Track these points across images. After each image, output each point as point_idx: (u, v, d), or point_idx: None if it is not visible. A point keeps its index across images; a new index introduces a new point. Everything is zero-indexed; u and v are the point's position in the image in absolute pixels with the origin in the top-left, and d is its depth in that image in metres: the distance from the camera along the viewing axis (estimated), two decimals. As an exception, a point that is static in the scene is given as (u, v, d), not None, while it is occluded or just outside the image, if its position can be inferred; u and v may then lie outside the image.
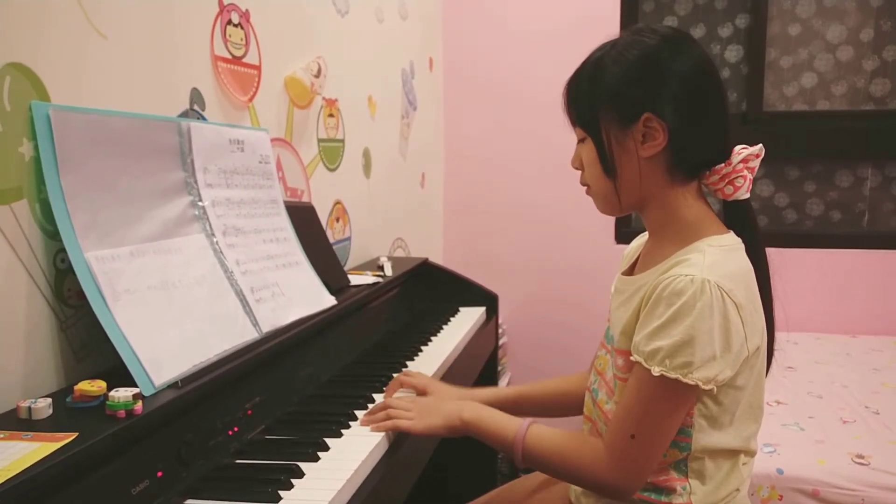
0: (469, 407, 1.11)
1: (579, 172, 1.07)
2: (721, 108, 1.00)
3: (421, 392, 1.26)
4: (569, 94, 1.04)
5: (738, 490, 1.01)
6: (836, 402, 2.00)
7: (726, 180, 1.00)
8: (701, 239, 0.98)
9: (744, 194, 1.01)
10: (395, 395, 1.25)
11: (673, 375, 0.90)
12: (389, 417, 1.11)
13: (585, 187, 1.07)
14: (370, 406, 1.20)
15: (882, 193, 2.93)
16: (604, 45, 1.02)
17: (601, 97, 0.99)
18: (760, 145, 1.02)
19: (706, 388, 0.91)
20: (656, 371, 0.91)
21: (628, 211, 1.05)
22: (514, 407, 1.23)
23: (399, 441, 1.11)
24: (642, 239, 1.14)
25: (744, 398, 0.98)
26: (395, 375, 1.35)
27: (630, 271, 1.10)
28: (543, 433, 1.04)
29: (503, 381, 2.88)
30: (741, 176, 1.00)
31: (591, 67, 1.01)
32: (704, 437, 0.97)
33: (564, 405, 1.26)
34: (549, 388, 1.29)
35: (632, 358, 0.95)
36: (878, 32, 2.87)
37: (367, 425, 1.11)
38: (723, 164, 1.00)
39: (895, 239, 2.84)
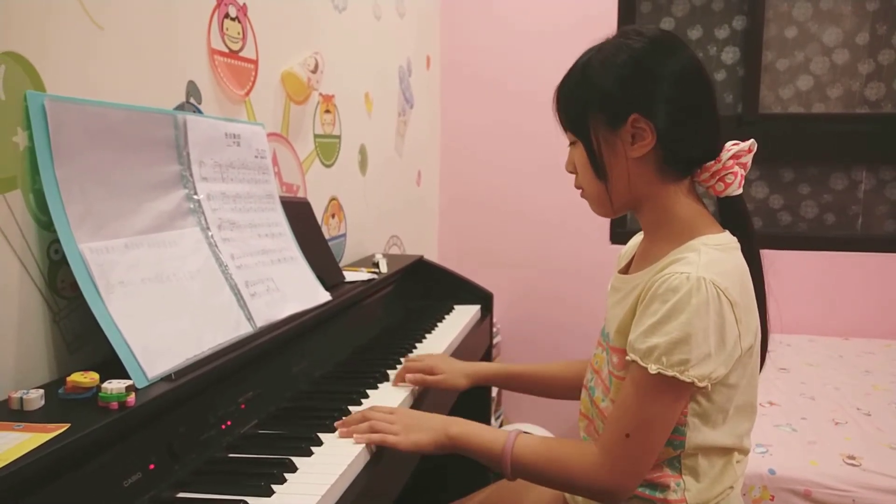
0: (456, 423, 1.06)
1: (574, 175, 1.08)
2: (709, 107, 1.01)
3: (430, 373, 1.30)
4: (558, 98, 1.05)
5: (731, 488, 1.02)
6: (828, 404, 2.00)
7: (717, 177, 1.01)
8: (696, 237, 0.98)
9: (735, 191, 1.02)
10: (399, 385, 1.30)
11: (670, 373, 0.90)
12: (372, 430, 1.03)
13: (580, 190, 1.08)
14: (363, 402, 1.20)
15: (876, 197, 2.94)
16: (590, 49, 1.03)
17: (589, 101, 1.00)
18: (752, 140, 1.02)
19: (701, 385, 0.91)
20: (653, 369, 0.90)
21: (622, 212, 1.06)
22: (519, 384, 1.34)
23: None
24: (639, 238, 1.15)
25: (737, 396, 0.98)
26: (389, 372, 1.35)
27: (626, 270, 1.11)
28: (532, 442, 1.02)
29: (497, 380, 2.88)
30: (731, 172, 1.01)
31: (578, 72, 1.02)
32: (698, 435, 0.97)
33: (567, 388, 1.30)
34: (553, 371, 1.33)
35: (627, 357, 0.95)
36: (874, 36, 2.88)
37: (348, 436, 1.03)
38: (713, 162, 1.01)
39: (888, 242, 2.86)
